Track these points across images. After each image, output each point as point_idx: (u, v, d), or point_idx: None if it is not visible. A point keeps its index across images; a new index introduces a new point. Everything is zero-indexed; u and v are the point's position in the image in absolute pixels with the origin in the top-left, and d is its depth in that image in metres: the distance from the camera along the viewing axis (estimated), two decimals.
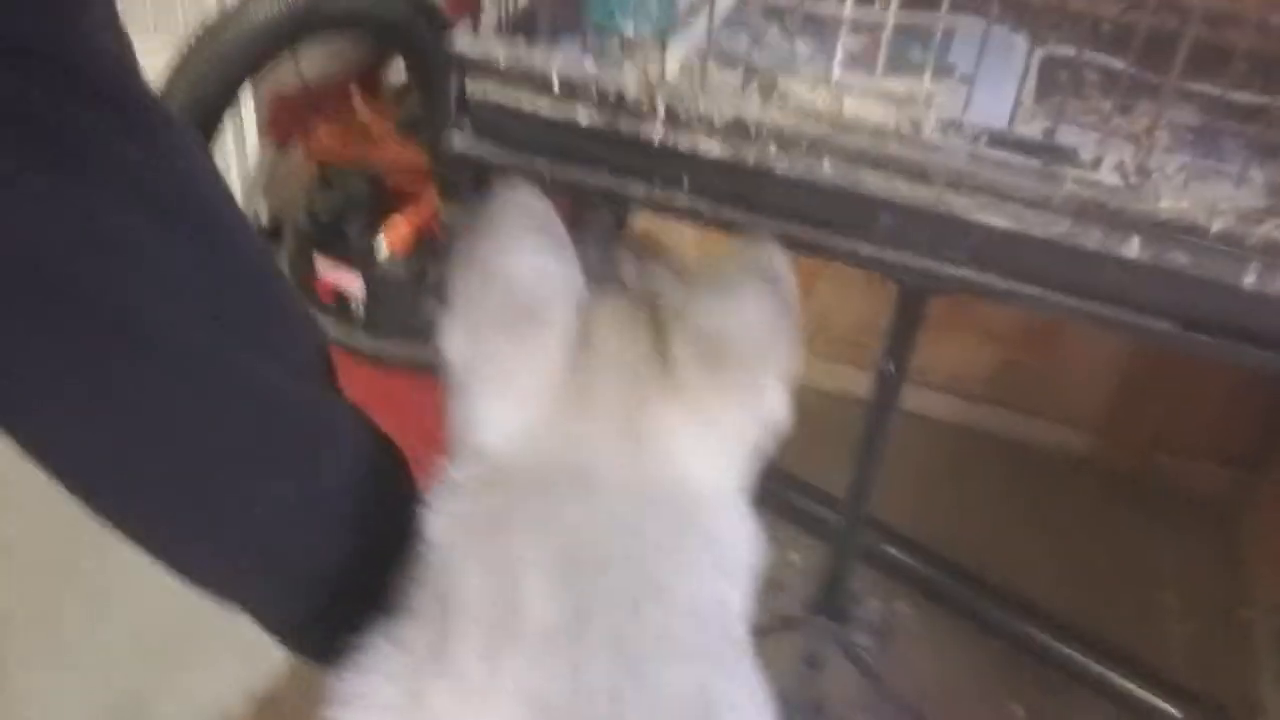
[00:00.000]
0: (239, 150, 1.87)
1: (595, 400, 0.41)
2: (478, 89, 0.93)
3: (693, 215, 0.93)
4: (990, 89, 0.92)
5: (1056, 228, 0.84)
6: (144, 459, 0.41)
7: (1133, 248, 0.82)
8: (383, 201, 1.34)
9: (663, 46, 0.94)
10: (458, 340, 0.42)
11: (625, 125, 0.89)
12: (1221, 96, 0.87)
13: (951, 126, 0.87)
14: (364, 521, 0.47)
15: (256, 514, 0.44)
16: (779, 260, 0.45)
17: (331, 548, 0.46)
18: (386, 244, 1.30)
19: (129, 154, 0.39)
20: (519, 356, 0.41)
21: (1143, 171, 0.86)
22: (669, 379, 0.42)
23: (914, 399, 1.91)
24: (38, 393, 0.38)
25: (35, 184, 0.36)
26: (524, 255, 0.42)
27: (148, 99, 0.41)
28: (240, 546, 0.45)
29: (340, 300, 1.33)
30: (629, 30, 0.93)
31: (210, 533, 0.44)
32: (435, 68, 1.09)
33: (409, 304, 1.31)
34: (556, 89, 0.89)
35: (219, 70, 1.07)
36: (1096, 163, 0.86)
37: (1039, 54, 1.01)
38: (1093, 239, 0.83)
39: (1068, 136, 0.88)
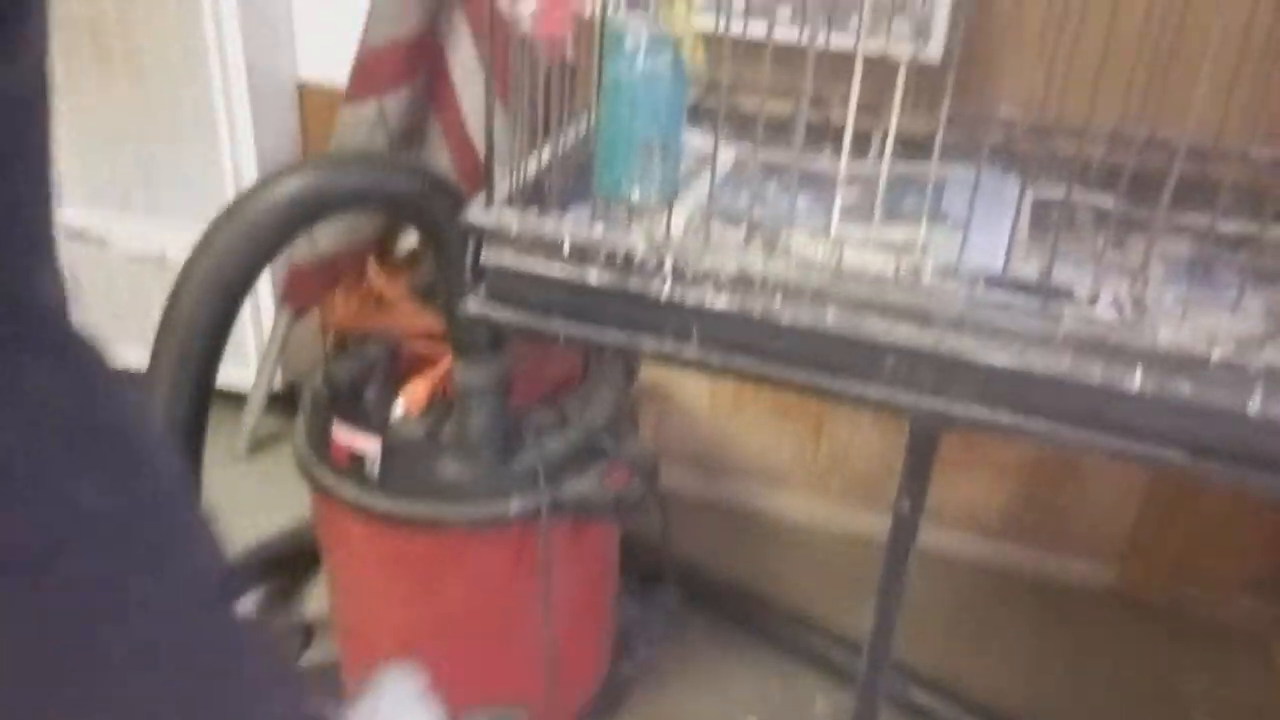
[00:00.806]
0: (255, 319, 1.92)
1: None
2: (492, 255, 0.96)
3: (703, 366, 0.96)
4: (985, 231, 0.95)
5: (1059, 365, 0.86)
6: (46, 687, 0.42)
7: (1135, 381, 0.83)
8: (399, 366, 1.36)
9: (668, 208, 0.98)
10: None
11: (634, 284, 0.92)
12: (1211, 227, 0.89)
13: (949, 271, 0.90)
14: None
15: None
16: None
17: None
18: (403, 407, 1.33)
19: (40, 384, 0.40)
20: None
21: (1140, 305, 0.88)
22: None
23: (933, 537, 1.90)
24: None
25: None
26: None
27: (69, 334, 0.43)
28: None
29: (354, 462, 1.34)
30: (635, 195, 0.97)
31: None
32: (449, 238, 1.13)
33: (423, 462, 1.32)
34: (567, 252, 0.93)
35: (241, 251, 1.11)
36: (1094, 298, 0.88)
37: (1030, 196, 1.05)
38: (1095, 374, 0.85)
39: (1063, 273, 0.91)
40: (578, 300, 0.95)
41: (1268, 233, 1.00)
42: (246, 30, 1.71)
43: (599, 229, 0.94)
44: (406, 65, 1.52)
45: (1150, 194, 0.89)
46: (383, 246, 1.68)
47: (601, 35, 0.99)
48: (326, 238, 1.63)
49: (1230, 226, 1.03)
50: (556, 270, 0.94)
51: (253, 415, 1.95)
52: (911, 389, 0.90)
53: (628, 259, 0.92)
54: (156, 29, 1.71)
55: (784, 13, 1.31)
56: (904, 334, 0.88)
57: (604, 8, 0.99)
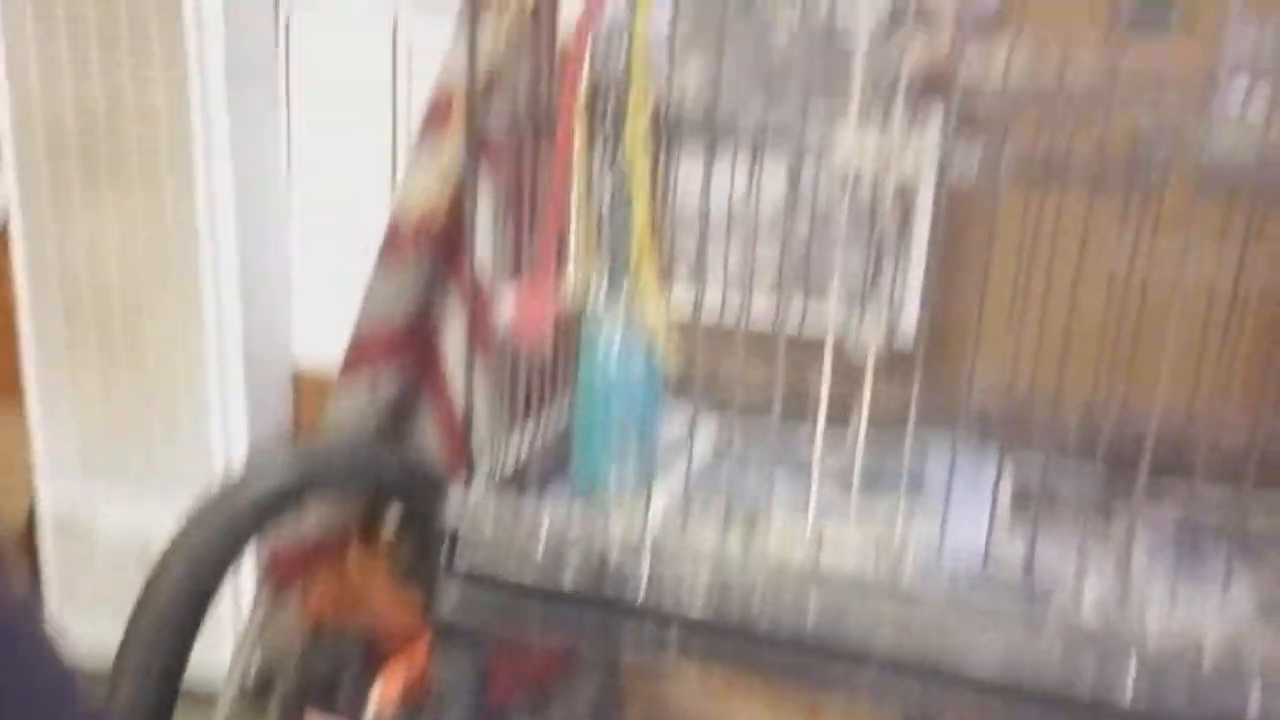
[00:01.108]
0: (234, 603, 1.88)
1: None
2: (467, 557, 0.95)
3: (683, 662, 0.93)
4: (965, 505, 0.93)
5: (1048, 674, 0.83)
6: None
7: (1127, 694, 0.80)
8: (376, 655, 1.32)
9: (646, 497, 0.98)
10: None
11: (610, 589, 0.91)
12: (1192, 498, 0.88)
13: (931, 566, 0.88)
14: None
15: None
16: None
17: None
18: (380, 697, 1.28)
19: None
20: None
21: (1126, 594, 0.86)
22: None
23: None
24: None
25: None
26: None
27: None
28: None
29: None
30: (612, 486, 0.97)
31: None
32: (429, 533, 1.12)
33: None
34: (540, 557, 0.92)
35: (217, 544, 1.09)
36: (1079, 580, 0.86)
37: (1009, 467, 1.04)
38: (1086, 684, 0.81)
39: (1047, 552, 0.89)
40: (553, 606, 0.94)
41: (1249, 502, 0.99)
42: (248, 320, 1.75)
43: (574, 531, 0.93)
44: (401, 347, 1.55)
45: (1130, 461, 0.88)
46: (365, 527, 1.67)
47: (578, 335, 1.02)
48: (309, 519, 1.62)
49: (1212, 495, 1.02)
50: (531, 575, 0.93)
51: (225, 707, 1.88)
52: (897, 695, 0.87)
53: (603, 562, 0.90)
54: (160, 316, 1.75)
55: (759, 295, 1.34)
56: (886, 640, 0.86)
57: (580, 310, 1.02)
